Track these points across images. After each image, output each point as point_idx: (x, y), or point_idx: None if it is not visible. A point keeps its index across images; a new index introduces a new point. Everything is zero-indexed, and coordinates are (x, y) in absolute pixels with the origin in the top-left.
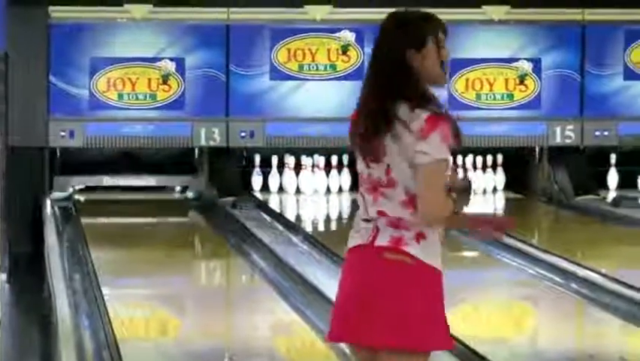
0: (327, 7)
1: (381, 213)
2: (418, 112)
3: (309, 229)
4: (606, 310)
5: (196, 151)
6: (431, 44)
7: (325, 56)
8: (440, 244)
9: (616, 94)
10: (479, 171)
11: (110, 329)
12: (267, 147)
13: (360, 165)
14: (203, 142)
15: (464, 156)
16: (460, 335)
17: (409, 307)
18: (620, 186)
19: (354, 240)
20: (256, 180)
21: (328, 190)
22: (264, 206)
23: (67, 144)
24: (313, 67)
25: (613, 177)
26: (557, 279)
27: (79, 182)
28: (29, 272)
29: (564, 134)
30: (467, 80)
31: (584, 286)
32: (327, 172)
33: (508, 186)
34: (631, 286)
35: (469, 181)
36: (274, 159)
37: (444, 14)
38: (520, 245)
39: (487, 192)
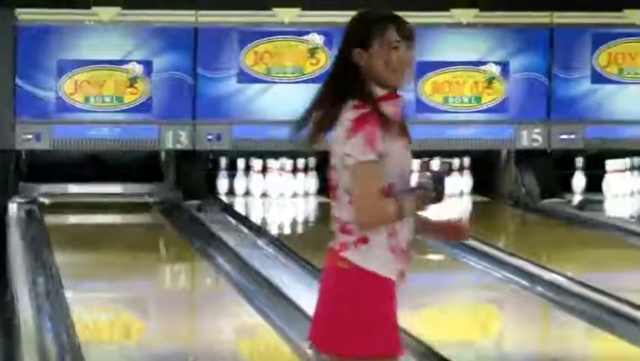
0: (296, 10)
1: (336, 217)
2: (350, 113)
3: (274, 232)
4: (571, 313)
5: (162, 154)
6: (378, 44)
7: (293, 59)
8: (400, 246)
9: (583, 97)
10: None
11: (73, 332)
12: (233, 150)
13: None
14: (170, 145)
15: (431, 159)
16: (426, 339)
17: (336, 313)
18: (586, 189)
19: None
20: (222, 183)
21: (294, 194)
22: (229, 209)
23: (33, 146)
24: (281, 70)
25: (579, 181)
26: (523, 282)
27: (44, 190)
28: None
29: (531, 137)
30: (435, 83)
31: (549, 289)
32: (294, 175)
33: (475, 189)
34: (596, 290)
35: (436, 182)
36: (240, 162)
37: (412, 17)
38: (486, 248)
39: (455, 195)
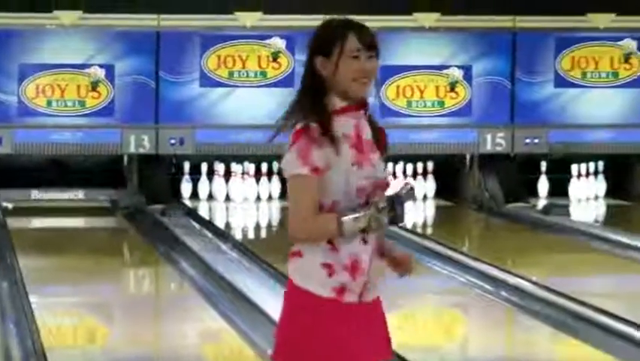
0: (258, 14)
1: None
2: (298, 124)
3: (238, 236)
4: (536, 318)
5: (125, 158)
6: (338, 52)
7: (256, 63)
8: (344, 263)
9: (546, 101)
10: (410, 179)
11: (37, 337)
12: (196, 154)
13: None
14: (132, 149)
15: (395, 164)
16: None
17: (277, 332)
18: (551, 193)
19: None
20: (185, 188)
21: (258, 198)
22: (193, 213)
23: None
24: (243, 74)
25: (543, 185)
26: (487, 287)
27: (6, 196)
28: None
29: (495, 141)
30: (398, 87)
31: (514, 293)
32: (257, 180)
33: (438, 194)
34: (561, 294)
35: (393, 205)
36: (204, 167)
37: (374, 21)
38: (450, 253)
39: (418, 200)
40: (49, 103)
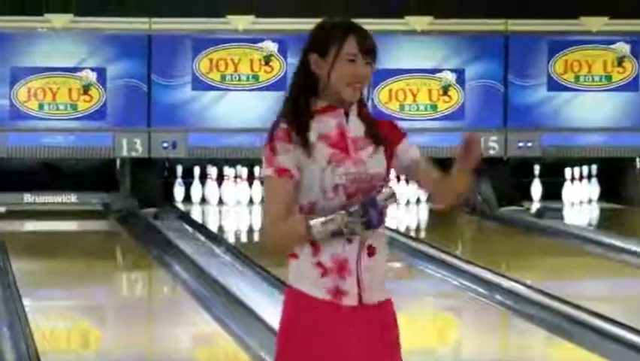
0: (250, 18)
1: None
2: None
3: (231, 240)
4: (531, 321)
5: (118, 162)
6: (335, 53)
7: (248, 67)
8: (328, 265)
9: (539, 105)
10: (402, 183)
11: (31, 340)
12: (189, 157)
13: None
14: (124, 153)
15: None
16: None
17: (277, 337)
18: (544, 197)
19: None
20: (178, 191)
21: (251, 201)
22: (186, 217)
23: None
24: (236, 77)
25: (537, 188)
26: (481, 290)
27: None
28: None
29: (488, 145)
30: (391, 90)
31: (508, 297)
32: (250, 183)
33: (431, 197)
34: (555, 297)
35: (366, 208)
36: (196, 170)
37: (367, 24)
38: (443, 256)
39: (411, 203)
40: (41, 106)
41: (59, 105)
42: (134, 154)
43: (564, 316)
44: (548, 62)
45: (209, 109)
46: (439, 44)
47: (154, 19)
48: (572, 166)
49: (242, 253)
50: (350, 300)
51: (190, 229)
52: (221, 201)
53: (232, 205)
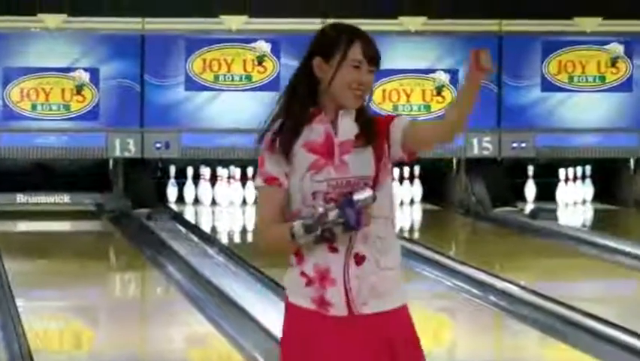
0: (243, 18)
1: None
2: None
3: (224, 240)
4: (524, 322)
5: (110, 162)
6: (340, 57)
7: (241, 67)
8: (311, 275)
9: (533, 105)
10: (396, 183)
11: (24, 340)
12: (182, 158)
13: None
14: (117, 153)
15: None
16: None
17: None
18: (538, 198)
19: None
20: (171, 192)
21: (244, 202)
22: (179, 217)
23: None
24: (229, 77)
25: (530, 189)
26: (475, 291)
27: None
28: None
29: (481, 145)
30: (384, 91)
31: (502, 298)
32: (243, 184)
33: (425, 198)
34: (549, 298)
35: (342, 210)
36: (189, 170)
37: (360, 25)
38: (437, 257)
39: (405, 204)
40: (33, 107)
41: (52, 106)
42: (127, 154)
43: (558, 317)
44: (542, 62)
45: (202, 109)
46: (433, 45)
47: (147, 19)
48: (566, 167)
49: (235, 254)
50: (336, 310)
51: (183, 229)
52: (214, 202)
53: (225, 206)
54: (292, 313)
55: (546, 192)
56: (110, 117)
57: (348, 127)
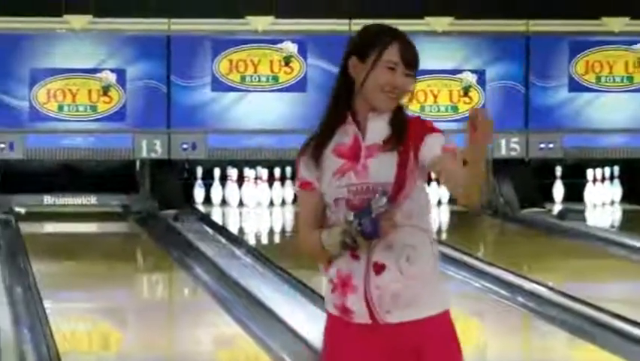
0: (269, 18)
1: None
2: None
3: (252, 242)
4: (552, 323)
5: (137, 163)
6: (375, 57)
7: (267, 68)
8: (335, 281)
9: (561, 106)
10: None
11: (52, 342)
12: (209, 159)
13: None
14: (144, 154)
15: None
16: None
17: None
18: (566, 198)
19: None
20: (198, 193)
21: (271, 203)
22: (206, 219)
23: (7, 156)
24: (255, 78)
25: (558, 190)
26: (503, 292)
27: (19, 202)
28: None
29: (509, 146)
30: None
31: (530, 299)
32: (270, 185)
33: (452, 200)
34: (577, 300)
35: (360, 219)
36: (216, 171)
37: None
38: (465, 258)
39: (433, 206)
40: (60, 108)
41: (79, 107)
42: (153, 155)
43: (586, 318)
44: (569, 62)
45: (229, 110)
46: (460, 45)
47: (173, 20)
48: (594, 167)
49: (263, 255)
50: (359, 318)
51: (210, 230)
52: (241, 203)
53: (252, 207)
54: (327, 319)
55: (574, 193)
56: (136, 118)
57: (377, 130)
